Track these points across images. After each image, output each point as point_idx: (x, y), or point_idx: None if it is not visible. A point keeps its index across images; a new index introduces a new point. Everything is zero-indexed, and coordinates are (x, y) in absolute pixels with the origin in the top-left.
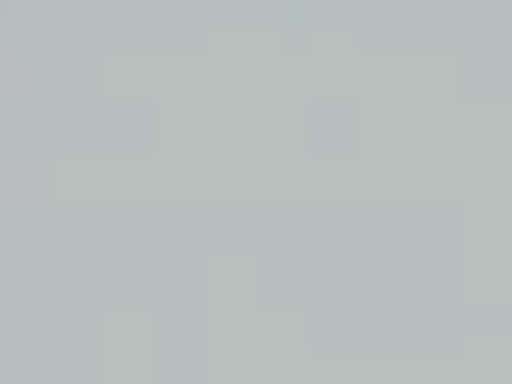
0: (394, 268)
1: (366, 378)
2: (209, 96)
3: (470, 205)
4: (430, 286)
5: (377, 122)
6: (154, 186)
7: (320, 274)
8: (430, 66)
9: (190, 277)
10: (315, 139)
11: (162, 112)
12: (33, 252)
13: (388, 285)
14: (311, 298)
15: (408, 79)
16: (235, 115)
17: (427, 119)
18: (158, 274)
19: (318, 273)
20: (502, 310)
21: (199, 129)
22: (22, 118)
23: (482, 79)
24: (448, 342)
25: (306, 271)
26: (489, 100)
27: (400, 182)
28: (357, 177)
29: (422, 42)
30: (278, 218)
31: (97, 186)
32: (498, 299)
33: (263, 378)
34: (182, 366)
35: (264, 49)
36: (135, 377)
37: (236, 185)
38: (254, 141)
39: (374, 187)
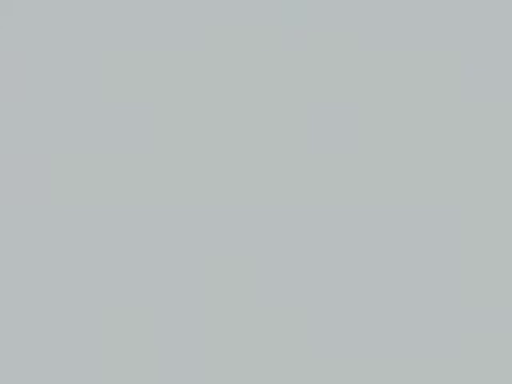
0: (394, 268)
1: (366, 378)
2: (209, 96)
3: (470, 205)
4: (430, 285)
5: (377, 122)
6: (154, 186)
7: (320, 274)
8: (430, 66)
9: (190, 277)
10: (315, 139)
11: (162, 112)
12: (33, 252)
13: (388, 285)
14: (311, 297)
15: (408, 79)
16: (235, 115)
17: (427, 119)
18: (158, 274)
19: (318, 273)
20: (502, 310)
21: (199, 129)
22: (22, 117)
23: (482, 79)
24: (448, 342)
25: (306, 271)
26: (489, 100)
27: (400, 182)
28: (357, 177)
29: (422, 42)
30: (278, 217)
31: (97, 186)
32: (498, 299)
33: (263, 378)
34: (182, 366)
35: (264, 49)
36: (135, 377)
37: (236, 185)
38: (254, 141)
39: (374, 187)
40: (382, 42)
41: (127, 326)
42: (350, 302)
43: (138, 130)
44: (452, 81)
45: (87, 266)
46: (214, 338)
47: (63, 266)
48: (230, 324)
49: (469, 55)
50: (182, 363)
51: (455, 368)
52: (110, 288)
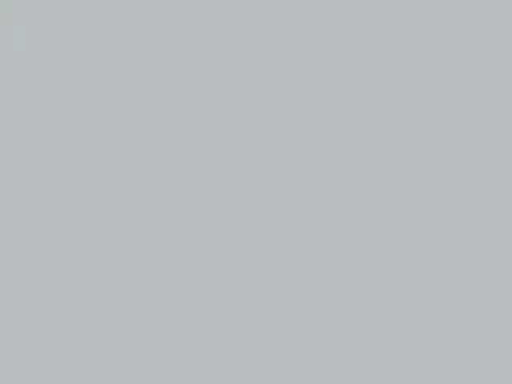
0: (393, 268)
1: (365, 378)
2: (208, 96)
3: (469, 205)
4: (429, 285)
5: (377, 122)
6: (154, 186)
7: (320, 274)
8: (430, 65)
9: (189, 277)
10: (315, 139)
11: (162, 112)
12: (33, 252)
13: (388, 285)
14: (311, 297)
15: (408, 79)
16: (235, 115)
17: (427, 119)
18: (158, 274)
19: (317, 273)
20: (502, 310)
21: (199, 129)
22: (22, 118)
23: (482, 79)
24: (448, 342)
25: (306, 271)
26: (489, 100)
27: (400, 182)
28: (357, 177)
29: (422, 42)
30: (277, 218)
31: (97, 186)
32: (498, 299)
33: (263, 378)
34: (182, 366)
35: (264, 48)
36: (135, 377)
37: (236, 185)
38: (254, 141)
39: (374, 187)
40: (381, 42)
41: (127, 325)
42: (350, 301)
43: (138, 129)
44: (452, 81)
45: (87, 266)
46: (213, 338)
47: (63, 266)
48: (229, 324)
49: (469, 55)
50: (181, 363)
51: (455, 368)
52: (110, 288)
